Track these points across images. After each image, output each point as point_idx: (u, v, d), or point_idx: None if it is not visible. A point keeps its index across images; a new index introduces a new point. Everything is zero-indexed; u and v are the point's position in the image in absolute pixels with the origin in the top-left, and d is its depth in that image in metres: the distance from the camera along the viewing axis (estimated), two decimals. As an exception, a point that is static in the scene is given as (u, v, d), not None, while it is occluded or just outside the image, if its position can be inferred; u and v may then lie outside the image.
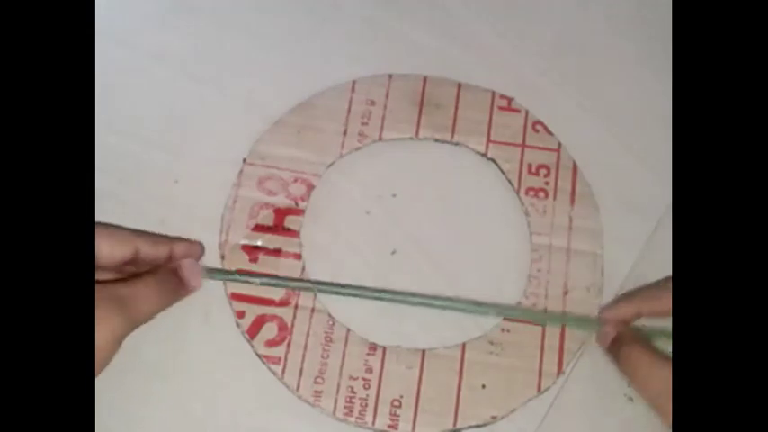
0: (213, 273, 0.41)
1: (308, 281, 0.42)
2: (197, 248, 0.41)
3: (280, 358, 0.40)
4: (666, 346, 0.38)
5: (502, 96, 0.47)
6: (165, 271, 0.39)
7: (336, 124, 0.46)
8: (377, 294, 0.41)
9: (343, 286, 0.42)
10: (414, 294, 0.41)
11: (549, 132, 0.46)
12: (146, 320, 0.36)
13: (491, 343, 0.41)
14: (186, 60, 0.48)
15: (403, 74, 0.47)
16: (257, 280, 0.41)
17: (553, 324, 0.41)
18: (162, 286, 0.38)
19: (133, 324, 0.35)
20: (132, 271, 0.39)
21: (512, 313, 0.41)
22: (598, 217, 0.44)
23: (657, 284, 0.41)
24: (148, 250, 0.38)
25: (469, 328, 0.41)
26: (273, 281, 0.42)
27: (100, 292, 0.34)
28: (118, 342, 0.34)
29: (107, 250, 0.37)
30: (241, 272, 0.42)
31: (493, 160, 0.46)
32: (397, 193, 0.45)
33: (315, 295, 0.42)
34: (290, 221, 0.44)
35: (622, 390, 0.41)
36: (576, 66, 0.49)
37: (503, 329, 0.41)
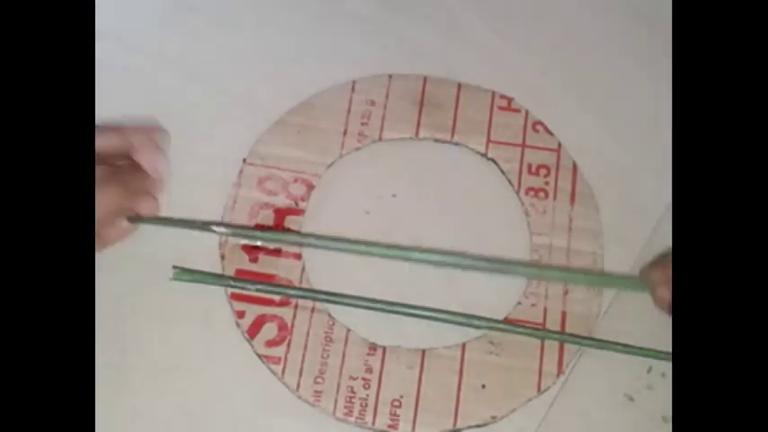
0: (209, 279, 0.41)
1: (304, 289, 0.42)
2: (157, 134, 0.39)
3: (280, 358, 0.40)
4: None
5: (502, 96, 0.47)
6: (116, 165, 0.38)
7: (336, 124, 0.46)
8: (371, 304, 0.41)
9: (336, 295, 0.41)
10: (412, 306, 0.41)
11: (549, 132, 0.46)
12: (105, 217, 0.36)
13: (491, 343, 0.41)
14: (186, 60, 0.48)
15: (403, 74, 0.47)
16: (253, 287, 0.41)
17: (551, 340, 0.41)
18: (116, 180, 0.37)
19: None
20: None
21: (513, 329, 0.41)
22: (598, 217, 0.44)
23: None
24: (98, 142, 0.37)
25: (469, 328, 0.41)
26: (269, 288, 0.41)
27: None
28: None
29: None
30: (239, 274, 0.42)
31: (493, 160, 0.46)
32: (397, 193, 0.45)
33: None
34: (289, 221, 0.44)
35: (622, 390, 0.41)
36: (575, 66, 0.49)
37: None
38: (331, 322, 0.41)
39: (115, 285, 0.41)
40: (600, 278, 0.42)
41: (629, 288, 0.42)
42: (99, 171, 0.37)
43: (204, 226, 0.42)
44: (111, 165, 0.38)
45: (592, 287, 0.42)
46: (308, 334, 0.41)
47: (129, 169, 0.38)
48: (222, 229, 0.42)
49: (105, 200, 0.36)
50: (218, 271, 0.42)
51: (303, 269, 0.42)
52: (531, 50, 0.49)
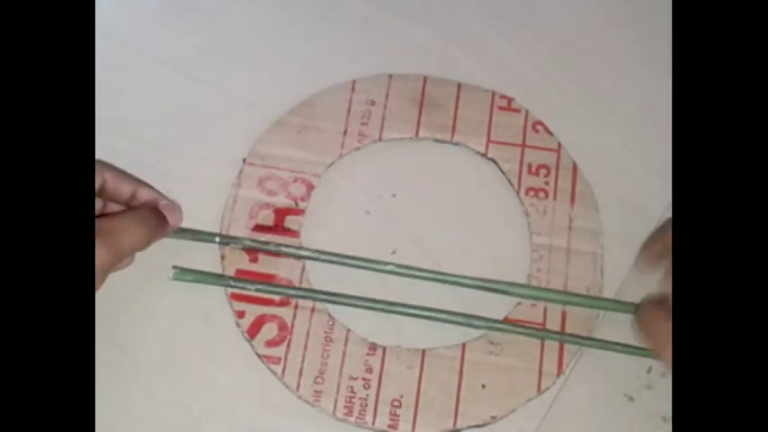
0: (209, 279, 0.41)
1: (304, 289, 0.42)
2: (159, 197, 0.41)
3: (280, 358, 0.40)
4: None
5: (502, 96, 0.47)
6: (144, 208, 0.40)
7: (336, 124, 0.46)
8: (371, 304, 0.41)
9: (336, 295, 0.41)
10: (411, 306, 0.41)
11: (549, 132, 0.46)
12: (128, 253, 0.37)
13: (491, 343, 0.41)
14: (186, 60, 0.48)
15: (403, 74, 0.47)
16: (253, 287, 0.41)
17: (551, 340, 0.41)
18: (143, 221, 0.38)
19: (117, 257, 0.36)
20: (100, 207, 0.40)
21: (513, 329, 0.41)
22: (598, 217, 0.44)
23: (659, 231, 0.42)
24: (114, 183, 0.39)
25: (469, 328, 0.41)
26: (269, 288, 0.41)
27: None
28: (103, 274, 0.35)
29: None
30: (239, 274, 0.42)
31: (493, 160, 0.46)
32: (397, 193, 0.45)
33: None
34: (290, 221, 0.44)
35: (622, 390, 0.41)
36: (576, 65, 0.49)
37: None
38: (331, 322, 0.41)
39: (115, 285, 0.41)
40: (596, 302, 0.42)
41: (625, 312, 0.42)
42: (132, 212, 0.39)
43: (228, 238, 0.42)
44: (135, 208, 0.40)
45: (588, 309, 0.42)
46: (307, 334, 0.41)
47: (152, 212, 0.40)
48: (248, 242, 0.42)
49: (137, 233, 0.38)
50: (219, 271, 0.42)
51: (303, 269, 0.42)
52: (531, 50, 0.49)
